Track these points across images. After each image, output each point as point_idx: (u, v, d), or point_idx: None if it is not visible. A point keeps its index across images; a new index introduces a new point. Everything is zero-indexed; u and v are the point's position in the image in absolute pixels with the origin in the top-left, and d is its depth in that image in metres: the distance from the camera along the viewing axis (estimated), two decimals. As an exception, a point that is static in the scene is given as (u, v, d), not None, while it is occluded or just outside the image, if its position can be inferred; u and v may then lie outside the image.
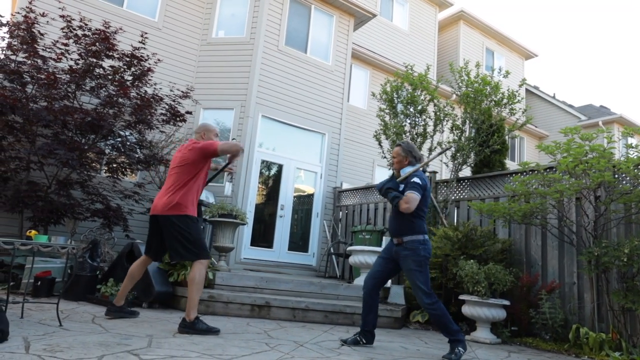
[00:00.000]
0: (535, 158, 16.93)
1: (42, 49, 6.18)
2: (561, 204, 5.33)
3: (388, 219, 4.12)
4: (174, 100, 7.01)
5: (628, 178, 4.87)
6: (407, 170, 3.90)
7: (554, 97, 18.24)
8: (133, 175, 7.51)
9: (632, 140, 15.31)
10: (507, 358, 3.99)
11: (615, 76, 69.36)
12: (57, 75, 5.93)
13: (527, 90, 18.22)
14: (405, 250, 3.74)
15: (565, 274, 5.31)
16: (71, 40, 6.23)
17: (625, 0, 64.96)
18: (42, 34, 6.17)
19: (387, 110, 7.34)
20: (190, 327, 3.61)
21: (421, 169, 3.94)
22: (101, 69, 6.34)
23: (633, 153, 4.70)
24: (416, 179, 3.77)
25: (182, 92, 7.17)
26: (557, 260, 5.42)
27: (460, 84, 6.94)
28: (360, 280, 6.11)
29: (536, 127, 17.10)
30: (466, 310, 5.04)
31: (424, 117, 7.03)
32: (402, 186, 3.85)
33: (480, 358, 3.85)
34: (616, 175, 4.87)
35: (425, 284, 3.67)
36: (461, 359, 3.57)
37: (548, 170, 5.40)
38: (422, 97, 7.06)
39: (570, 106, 17.91)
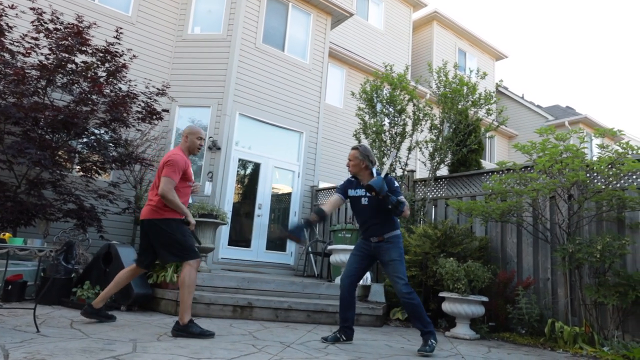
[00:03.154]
0: (505, 156, 17.38)
1: (10, 43, 5.92)
2: (536, 203, 5.49)
3: (361, 220, 4.03)
4: (149, 98, 6.84)
5: (599, 177, 5.06)
6: (382, 173, 3.98)
7: (522, 98, 18.76)
8: (106, 174, 7.30)
9: (596, 141, 15.90)
10: (487, 353, 4.08)
11: (580, 78, 71.94)
12: (26, 71, 5.70)
13: (497, 90, 18.68)
14: (388, 244, 3.85)
15: (540, 270, 5.47)
16: (42, 34, 6.00)
17: (588, 4, 67.46)
18: (10, 27, 5.91)
19: (366, 110, 7.38)
20: (183, 330, 3.57)
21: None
22: (73, 65, 6.12)
23: (604, 153, 4.87)
24: (396, 182, 3.92)
25: (157, 89, 7.00)
26: (532, 257, 5.59)
27: (438, 84, 7.05)
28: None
29: (506, 126, 17.54)
30: (446, 307, 5.13)
31: (403, 116, 7.11)
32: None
33: (463, 354, 3.93)
34: (588, 175, 5.05)
35: (405, 274, 3.81)
36: (434, 350, 3.71)
37: (524, 169, 5.55)
38: (402, 97, 7.14)
39: (539, 106, 18.46)
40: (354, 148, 4.05)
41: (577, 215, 5.04)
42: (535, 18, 74.79)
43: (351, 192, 4.03)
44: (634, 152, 4.68)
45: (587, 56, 73.41)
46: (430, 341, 3.69)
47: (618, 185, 4.91)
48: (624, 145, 4.68)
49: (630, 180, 4.94)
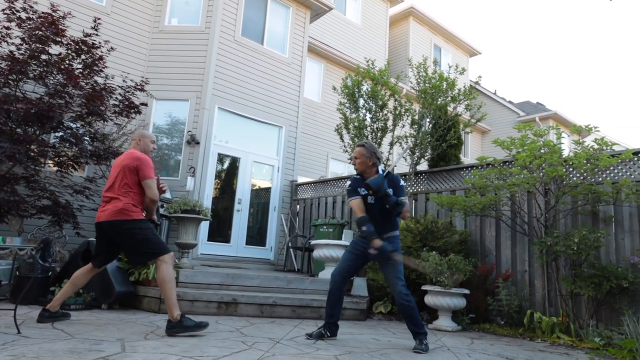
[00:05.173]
0: (479, 151, 17.75)
1: (-22, 32, 5.66)
2: (515, 197, 5.63)
3: (361, 218, 3.95)
4: (127, 91, 6.66)
5: (574, 172, 5.23)
6: (386, 171, 3.84)
7: (495, 94, 19.16)
8: (80, 169, 7.08)
9: (567, 137, 16.38)
10: (471, 344, 4.18)
11: (550, 74, 74.00)
12: (-4, 62, 5.47)
13: (471, 86, 19.00)
14: (388, 243, 3.73)
15: (518, 263, 5.63)
16: (14, 24, 5.74)
17: (557, 3, 69.34)
18: (-20, 16, 5.65)
19: (347, 105, 7.40)
20: (178, 327, 3.51)
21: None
22: (47, 56, 5.89)
23: (580, 149, 5.04)
24: (402, 182, 3.81)
25: (135, 83, 6.81)
26: (510, 250, 5.74)
27: (419, 80, 7.12)
28: (324, 274, 6.15)
29: (475, 121, 17.88)
30: (429, 300, 5.22)
31: (385, 111, 7.15)
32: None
33: (448, 346, 4.01)
34: (564, 169, 5.21)
35: (403, 275, 3.76)
36: (429, 349, 3.69)
37: (503, 164, 5.69)
38: (383, 92, 7.18)
39: (510, 102, 18.90)
40: (359, 145, 3.91)
41: (554, 209, 5.20)
42: (506, 15, 76.45)
43: (359, 191, 3.83)
44: (608, 147, 4.86)
45: (556, 53, 75.61)
46: (424, 340, 3.67)
47: (593, 180, 5.09)
48: (599, 142, 4.84)
49: (604, 175, 5.13)
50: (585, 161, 4.88)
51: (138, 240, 3.65)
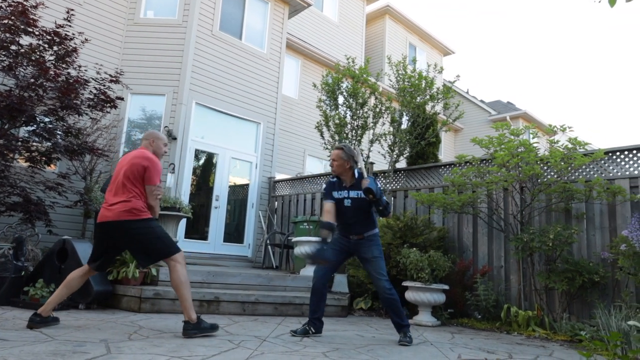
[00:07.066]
0: (452, 149, 18.08)
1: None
2: (492, 194, 5.78)
3: (343, 220, 3.98)
4: (102, 84, 6.46)
5: (549, 170, 5.40)
6: (365, 175, 3.94)
7: (467, 92, 19.55)
8: (53, 165, 6.85)
9: (539, 136, 16.85)
10: (452, 339, 4.27)
11: (519, 74, 75.94)
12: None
13: (447, 85, 19.29)
14: (368, 241, 3.89)
15: (494, 258, 5.78)
16: (-19, 12, 5.49)
17: (528, 4, 71.18)
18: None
19: (327, 102, 7.41)
20: (197, 329, 3.46)
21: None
22: (18, 46, 5.66)
23: (555, 147, 5.21)
24: (379, 184, 3.95)
25: (110, 75, 6.62)
26: (486, 246, 5.89)
27: (398, 78, 7.20)
28: (306, 271, 6.16)
29: (452, 120, 18.20)
30: (409, 295, 5.30)
31: (365, 109, 7.20)
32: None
33: (430, 340, 4.09)
34: (540, 168, 5.37)
35: (385, 271, 3.88)
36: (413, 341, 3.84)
37: (481, 162, 5.82)
38: (363, 90, 7.23)
39: (482, 101, 19.31)
40: (337, 148, 3.96)
41: (529, 206, 5.36)
42: (477, 15, 77.99)
43: (335, 194, 3.91)
44: (581, 147, 5.04)
45: (524, 53, 77.68)
46: (408, 333, 3.83)
47: (566, 178, 5.27)
48: (573, 141, 5.01)
49: (576, 174, 5.32)
50: (560, 160, 5.05)
51: (149, 240, 3.50)
